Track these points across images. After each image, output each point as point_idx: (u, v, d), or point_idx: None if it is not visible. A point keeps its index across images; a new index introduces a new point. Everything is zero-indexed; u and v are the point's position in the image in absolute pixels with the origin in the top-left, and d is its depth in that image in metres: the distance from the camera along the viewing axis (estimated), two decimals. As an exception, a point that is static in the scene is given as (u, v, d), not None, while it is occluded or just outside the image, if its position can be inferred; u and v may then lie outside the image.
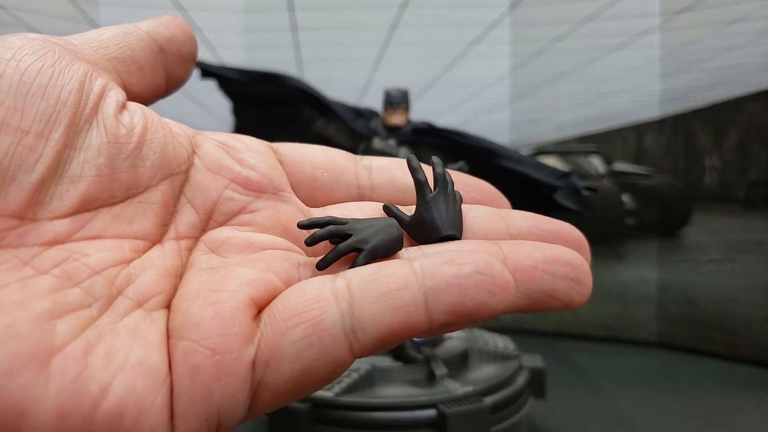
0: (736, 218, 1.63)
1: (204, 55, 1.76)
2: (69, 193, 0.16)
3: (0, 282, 0.14)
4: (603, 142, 1.93)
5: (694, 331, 1.65)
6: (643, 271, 1.77)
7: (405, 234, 0.20)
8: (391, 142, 1.09)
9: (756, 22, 1.54)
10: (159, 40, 0.21)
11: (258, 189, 0.20)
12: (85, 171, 0.16)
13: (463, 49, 1.86)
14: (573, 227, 0.21)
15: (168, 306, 0.16)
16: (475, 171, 0.93)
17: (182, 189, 0.19)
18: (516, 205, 0.23)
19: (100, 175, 0.16)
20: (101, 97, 0.17)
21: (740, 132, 1.61)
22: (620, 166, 1.88)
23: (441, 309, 0.16)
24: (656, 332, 1.72)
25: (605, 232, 1.82)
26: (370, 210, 0.21)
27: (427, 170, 0.21)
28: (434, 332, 0.17)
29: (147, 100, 0.21)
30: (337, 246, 0.18)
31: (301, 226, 0.19)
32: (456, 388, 0.96)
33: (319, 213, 0.21)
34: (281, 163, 0.21)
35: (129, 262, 0.16)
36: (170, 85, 0.21)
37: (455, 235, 0.19)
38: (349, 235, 0.18)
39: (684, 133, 1.73)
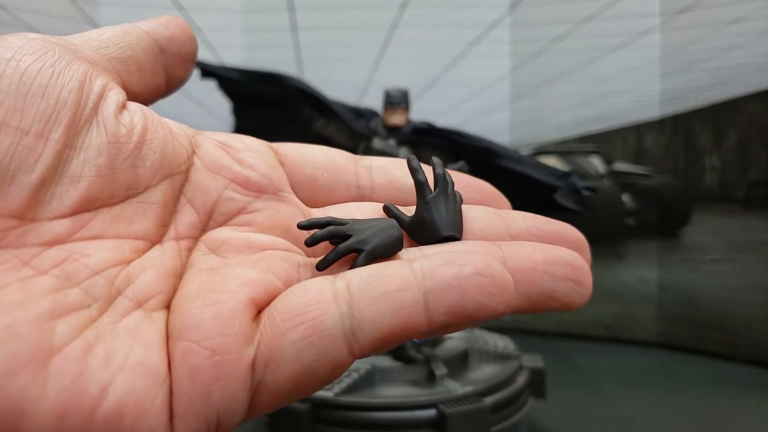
0: (736, 218, 1.63)
1: (204, 55, 1.76)
2: (69, 193, 0.16)
3: (0, 282, 0.14)
4: (603, 142, 1.93)
5: (694, 331, 1.65)
6: (643, 271, 1.77)
7: (405, 234, 0.20)
8: (391, 142, 1.09)
9: (756, 22, 1.54)
10: (159, 39, 0.21)
11: (258, 189, 0.20)
12: (85, 171, 0.16)
13: (463, 49, 1.86)
14: (573, 228, 0.21)
15: (168, 306, 0.16)
16: (475, 171, 0.93)
17: (182, 189, 0.19)
18: (516, 205, 0.23)
19: (100, 175, 0.16)
20: (101, 97, 0.17)
21: (740, 132, 1.61)
22: (620, 166, 1.88)
23: (441, 310, 0.16)
24: (656, 332, 1.72)
25: (605, 232, 1.82)
26: (370, 210, 0.21)
27: (427, 170, 0.21)
28: (434, 333, 0.17)
29: (147, 100, 0.21)
30: (337, 247, 0.18)
31: (301, 226, 0.19)
32: (456, 388, 0.96)
33: (319, 213, 0.21)
34: (281, 163, 0.21)
35: (129, 262, 0.16)
36: (170, 85, 0.21)
37: (455, 235, 0.19)
38: (349, 236, 0.18)
39: (684, 133, 1.73)
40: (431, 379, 0.99)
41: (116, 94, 0.18)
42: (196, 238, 0.19)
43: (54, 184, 0.16)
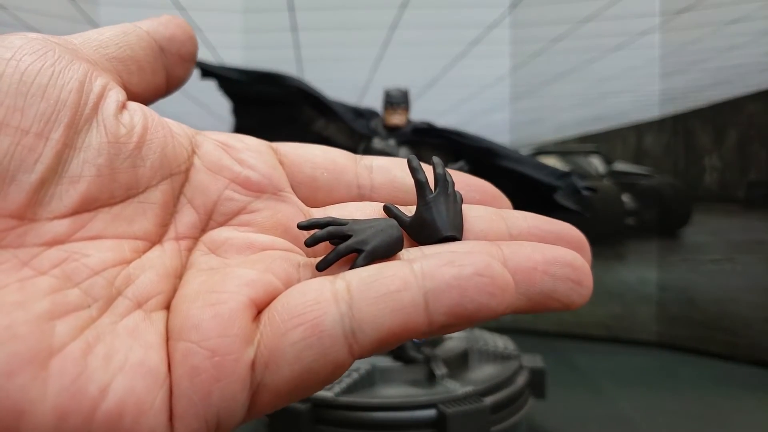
0: (736, 218, 1.63)
1: (204, 55, 1.76)
2: (69, 193, 0.16)
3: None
4: (603, 142, 1.93)
5: (694, 331, 1.65)
6: (643, 271, 1.77)
7: (405, 235, 0.20)
8: (391, 142, 1.09)
9: (756, 22, 1.54)
10: (159, 39, 0.21)
11: (258, 189, 0.20)
12: (84, 171, 0.16)
13: (463, 49, 1.86)
14: (574, 228, 0.21)
15: (167, 307, 0.16)
16: (475, 171, 0.93)
17: (182, 189, 0.19)
18: (516, 205, 0.23)
19: (100, 175, 0.16)
20: (101, 96, 0.17)
21: (740, 132, 1.61)
22: (620, 166, 1.88)
23: (441, 310, 0.16)
24: (656, 332, 1.72)
25: (605, 232, 1.82)
26: (371, 210, 0.21)
27: (428, 170, 0.21)
28: (434, 333, 0.17)
29: (147, 99, 0.21)
30: (337, 247, 0.18)
31: (301, 227, 0.19)
32: (456, 388, 0.96)
33: (319, 213, 0.21)
34: (281, 162, 0.21)
35: (129, 262, 0.16)
36: (170, 84, 0.21)
37: (455, 236, 0.19)
38: (349, 236, 0.18)
39: (684, 133, 1.73)
40: (431, 379, 0.99)
41: (116, 94, 0.18)
42: (196, 238, 0.19)
43: (54, 184, 0.16)
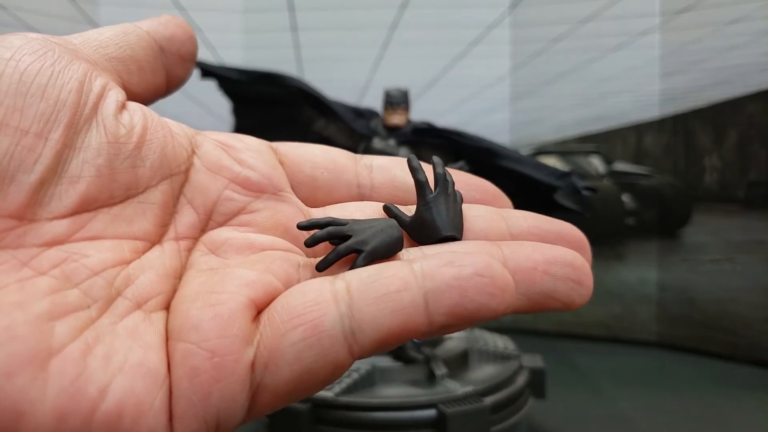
0: (736, 218, 1.63)
1: (204, 55, 1.76)
2: (68, 194, 0.16)
3: None
4: (603, 142, 1.93)
5: (694, 331, 1.64)
6: (643, 271, 1.77)
7: (405, 234, 0.20)
8: (391, 142, 1.09)
9: (756, 22, 1.54)
10: (159, 39, 0.21)
11: (258, 189, 0.20)
12: (84, 171, 0.16)
13: (463, 49, 1.86)
14: (574, 227, 0.21)
15: (167, 307, 0.16)
16: (475, 171, 0.93)
17: (182, 189, 0.19)
18: (516, 205, 0.23)
19: (100, 176, 0.16)
20: (101, 96, 0.17)
21: (740, 132, 1.61)
22: (620, 166, 1.88)
23: (441, 311, 0.16)
24: (656, 332, 1.72)
25: (605, 232, 1.82)
26: (371, 210, 0.21)
27: (428, 170, 0.21)
28: (434, 334, 0.16)
29: (147, 99, 0.21)
30: (337, 247, 0.18)
31: (301, 227, 0.19)
32: (456, 388, 0.96)
33: (319, 213, 0.21)
34: (281, 162, 0.21)
35: (128, 262, 0.16)
36: (170, 84, 0.21)
37: (455, 236, 0.19)
38: (349, 236, 0.18)
39: (684, 133, 1.73)
40: (431, 379, 0.99)
41: (116, 94, 0.18)
42: (195, 239, 0.18)
43: (53, 184, 0.15)
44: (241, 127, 1.14)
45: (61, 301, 0.14)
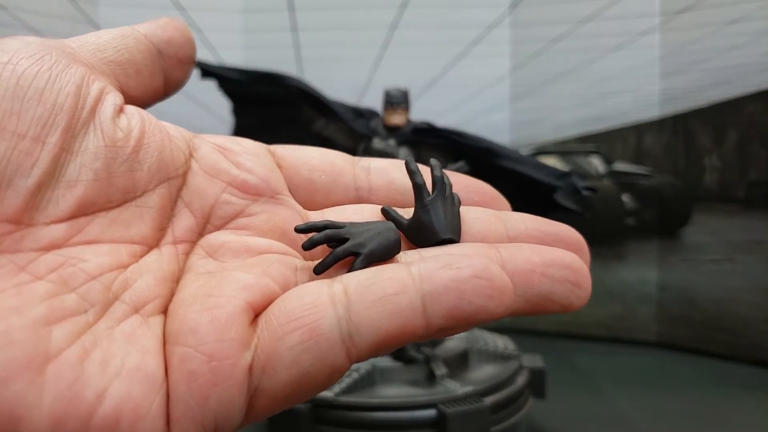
0: (736, 218, 1.63)
1: (204, 55, 1.76)
2: (66, 198, 0.16)
3: None
4: (603, 142, 1.92)
5: (694, 331, 1.64)
6: (643, 271, 1.77)
7: (403, 237, 0.20)
8: (391, 142, 1.09)
9: (756, 22, 1.54)
10: (157, 42, 0.21)
11: (255, 192, 0.20)
12: (81, 175, 0.16)
13: (463, 49, 1.86)
14: (572, 229, 0.21)
15: (165, 311, 0.16)
16: (475, 171, 0.93)
17: (179, 193, 0.19)
18: (516, 205, 0.23)
19: (97, 180, 0.16)
20: (98, 100, 0.17)
21: (740, 132, 1.61)
22: (620, 166, 1.88)
23: (439, 313, 0.16)
24: (656, 332, 1.72)
25: (605, 232, 1.82)
26: (369, 213, 0.21)
27: (426, 172, 0.21)
28: (432, 336, 0.16)
29: (145, 103, 0.21)
30: (335, 250, 0.18)
31: (298, 230, 0.19)
32: (456, 388, 0.96)
33: (316, 216, 0.21)
34: (279, 165, 0.21)
35: (126, 266, 0.16)
36: (168, 87, 0.21)
37: (453, 238, 0.19)
38: (347, 239, 0.18)
39: (684, 133, 1.73)
40: (431, 379, 0.99)
41: (113, 98, 0.18)
42: (193, 242, 0.19)
43: (51, 188, 0.15)
44: (241, 127, 1.14)
45: (58, 305, 0.14)
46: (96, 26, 1.64)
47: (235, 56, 1.76)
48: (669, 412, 1.24)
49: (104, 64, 0.19)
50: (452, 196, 0.20)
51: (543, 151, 1.96)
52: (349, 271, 0.18)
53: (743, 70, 1.62)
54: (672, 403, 1.28)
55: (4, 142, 0.15)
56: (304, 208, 0.21)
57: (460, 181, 0.22)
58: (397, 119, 1.09)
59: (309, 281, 0.17)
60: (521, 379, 1.05)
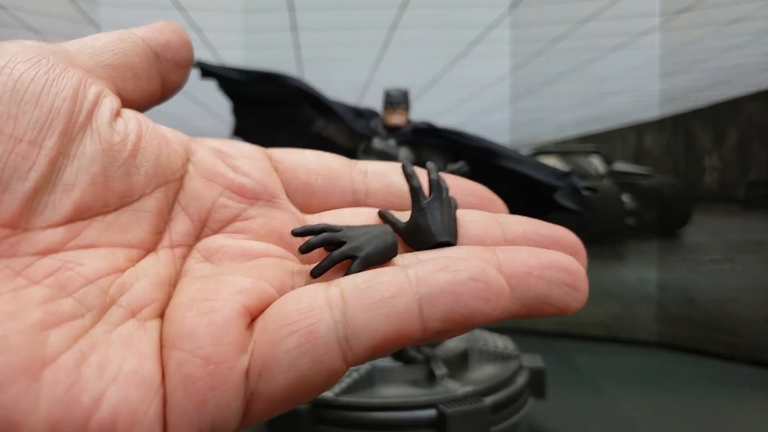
0: (736, 218, 1.63)
1: (204, 55, 1.76)
2: (62, 202, 0.16)
3: None
4: (603, 142, 1.92)
5: (694, 331, 1.64)
6: (643, 271, 1.77)
7: (400, 240, 0.20)
8: (391, 142, 1.09)
9: (756, 22, 1.54)
10: (154, 46, 0.21)
11: (252, 196, 0.20)
12: (78, 179, 0.16)
13: (463, 49, 1.86)
14: (570, 232, 0.21)
15: (162, 315, 0.16)
16: (474, 171, 0.93)
17: (176, 197, 0.19)
18: (516, 205, 0.23)
19: (94, 184, 0.16)
20: (95, 104, 0.17)
21: (740, 132, 1.61)
22: (620, 166, 1.88)
23: (436, 316, 0.16)
24: (656, 332, 1.71)
25: (605, 232, 1.82)
26: (366, 216, 0.21)
27: (423, 175, 0.21)
28: (429, 339, 0.16)
29: (142, 106, 0.21)
30: (331, 253, 0.18)
31: (295, 233, 0.19)
32: (456, 388, 0.96)
33: (314, 219, 0.21)
34: (276, 169, 0.21)
35: (123, 271, 0.16)
36: (166, 91, 0.21)
37: (450, 241, 0.19)
38: (344, 243, 0.18)
39: (684, 133, 1.73)
40: (431, 379, 0.99)
41: (110, 102, 0.18)
42: (190, 246, 0.19)
43: (47, 192, 0.15)
44: (241, 127, 1.14)
45: (55, 310, 0.14)
46: (96, 26, 1.64)
47: (235, 56, 1.76)
48: (669, 412, 1.24)
49: (101, 68, 0.19)
50: (449, 199, 0.20)
51: (543, 151, 1.96)
52: (346, 274, 0.18)
53: (743, 70, 1.62)
54: (672, 403, 1.28)
55: (1, 145, 0.15)
56: (301, 211, 0.21)
57: (457, 184, 0.22)
58: (397, 119, 1.09)
59: (306, 285, 0.17)
60: (521, 379, 1.05)
